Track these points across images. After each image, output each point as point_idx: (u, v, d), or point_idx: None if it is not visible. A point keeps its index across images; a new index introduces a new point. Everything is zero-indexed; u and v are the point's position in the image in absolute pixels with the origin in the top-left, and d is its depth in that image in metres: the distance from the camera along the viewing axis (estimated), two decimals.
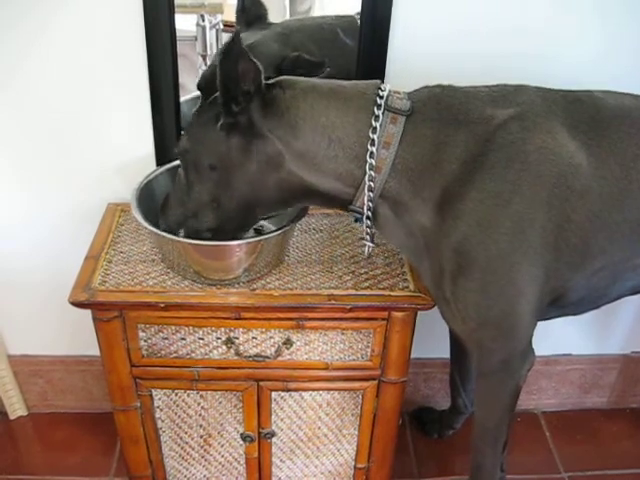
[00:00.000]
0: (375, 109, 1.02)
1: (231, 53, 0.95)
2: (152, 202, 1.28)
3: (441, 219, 1.03)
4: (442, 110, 1.04)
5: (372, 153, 1.02)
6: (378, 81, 1.08)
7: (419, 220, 1.06)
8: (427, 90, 1.07)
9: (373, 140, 1.02)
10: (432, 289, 1.15)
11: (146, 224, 1.17)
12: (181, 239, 1.17)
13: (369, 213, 1.08)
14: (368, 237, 1.13)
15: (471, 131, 1.01)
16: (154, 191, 1.31)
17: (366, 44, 1.29)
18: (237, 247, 1.15)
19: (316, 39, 1.36)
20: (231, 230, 1.15)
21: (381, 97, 1.03)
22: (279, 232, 1.16)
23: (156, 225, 1.19)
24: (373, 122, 1.02)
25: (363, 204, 1.07)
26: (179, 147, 1.12)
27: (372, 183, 1.04)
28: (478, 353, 1.15)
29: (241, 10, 1.34)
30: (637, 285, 1.15)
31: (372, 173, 1.03)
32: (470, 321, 1.09)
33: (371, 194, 1.05)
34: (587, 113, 1.05)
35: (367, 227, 1.11)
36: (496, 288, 1.04)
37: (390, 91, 1.04)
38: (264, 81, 1.01)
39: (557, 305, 1.12)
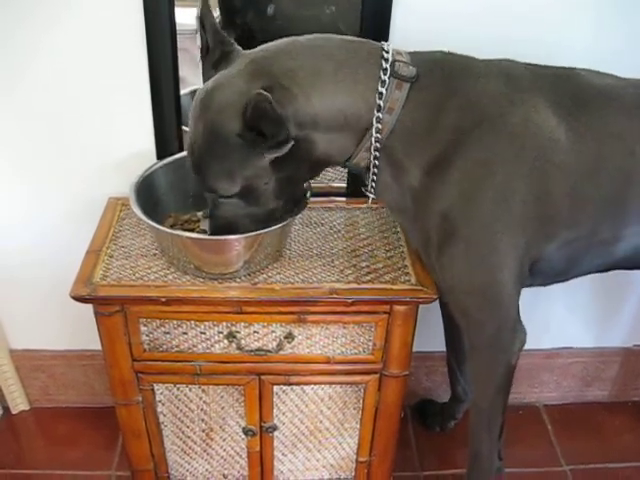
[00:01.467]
0: (381, 74, 1.03)
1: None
2: (151, 196, 1.28)
3: (430, 183, 1.06)
4: (444, 78, 1.06)
5: (379, 118, 1.04)
6: (380, 43, 1.07)
7: (410, 181, 1.09)
8: (430, 55, 1.09)
9: (379, 105, 1.03)
10: (421, 252, 1.18)
11: (145, 218, 1.16)
12: (180, 233, 1.17)
13: (375, 170, 1.10)
14: (372, 190, 1.15)
15: (465, 101, 1.05)
16: (153, 185, 1.30)
17: (368, 25, 1.28)
18: (236, 241, 1.14)
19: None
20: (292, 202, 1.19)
21: (386, 60, 1.03)
22: (278, 226, 1.16)
23: (155, 219, 1.18)
24: (379, 87, 1.03)
25: (360, 160, 1.09)
26: (224, 194, 1.09)
27: (378, 144, 1.06)
28: (467, 326, 1.17)
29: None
30: (605, 262, 1.16)
31: (378, 135, 1.05)
32: (455, 289, 1.13)
33: (377, 153, 1.07)
34: (571, 90, 1.08)
35: (372, 182, 1.13)
36: (478, 256, 1.07)
37: (394, 54, 1.05)
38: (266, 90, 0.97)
39: (530, 274, 1.14)
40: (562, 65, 1.12)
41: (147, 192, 1.27)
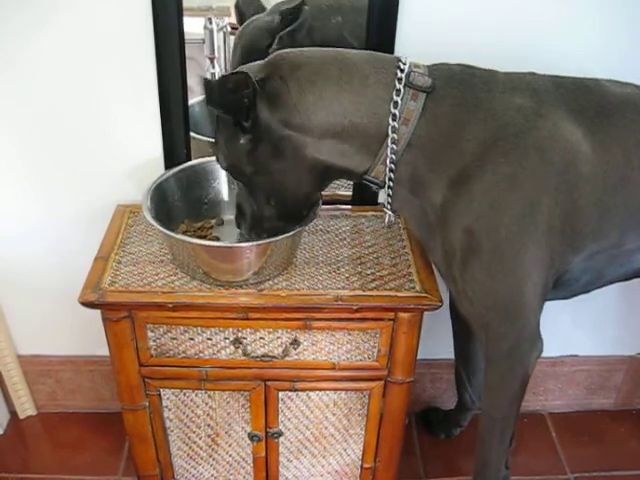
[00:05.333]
0: (397, 83, 1.03)
1: (213, 90, 1.01)
2: (164, 203, 1.30)
3: (455, 197, 1.05)
4: (464, 90, 1.05)
5: (394, 127, 1.03)
6: (397, 56, 1.08)
7: (431, 195, 1.08)
8: (447, 68, 1.08)
9: (395, 115, 1.03)
10: (442, 268, 1.17)
11: (156, 224, 1.17)
12: (192, 240, 1.18)
13: (390, 183, 1.09)
14: (389, 206, 1.14)
15: (491, 114, 1.04)
16: (167, 192, 1.32)
17: (374, 35, 1.29)
18: (247, 249, 1.15)
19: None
20: (295, 218, 1.18)
21: (402, 71, 1.03)
22: (289, 234, 1.16)
23: (168, 226, 1.19)
24: (394, 97, 1.02)
25: (379, 174, 1.09)
26: (221, 164, 1.15)
27: (394, 156, 1.05)
28: (486, 338, 1.15)
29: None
30: (628, 271, 1.17)
31: (394, 147, 1.04)
32: (477, 303, 1.11)
33: (393, 166, 1.07)
34: (594, 100, 1.08)
35: (388, 196, 1.12)
36: (503, 271, 1.06)
37: (411, 65, 1.05)
38: (256, 79, 1.02)
39: (553, 287, 1.13)
40: (568, 74, 1.12)
41: (160, 199, 1.28)
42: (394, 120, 1.03)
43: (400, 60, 1.05)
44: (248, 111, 1.02)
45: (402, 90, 1.02)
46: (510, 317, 1.11)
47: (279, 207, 1.15)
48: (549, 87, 1.07)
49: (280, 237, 1.16)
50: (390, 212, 1.16)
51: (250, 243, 1.15)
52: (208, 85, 1.00)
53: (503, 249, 1.05)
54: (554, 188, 1.02)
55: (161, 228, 1.17)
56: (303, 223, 1.20)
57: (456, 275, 1.11)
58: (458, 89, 1.05)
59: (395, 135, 1.04)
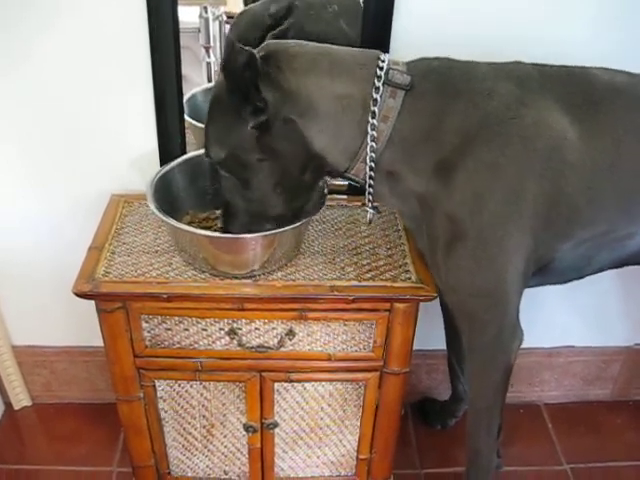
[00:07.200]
0: (376, 81, 1.03)
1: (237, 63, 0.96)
2: (169, 193, 1.29)
3: (438, 185, 1.06)
4: (443, 83, 1.06)
5: (373, 125, 1.03)
6: (377, 52, 1.08)
7: (413, 188, 1.08)
8: (426, 63, 1.08)
9: (374, 112, 1.03)
10: (427, 254, 1.18)
11: (162, 215, 1.16)
12: (197, 231, 1.17)
13: (371, 181, 1.10)
14: (369, 204, 1.15)
15: (472, 103, 1.04)
16: (171, 182, 1.32)
17: (369, 28, 1.28)
18: (253, 240, 1.14)
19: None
20: (297, 208, 1.17)
21: (381, 68, 1.04)
22: (295, 225, 1.15)
23: (172, 217, 1.18)
24: (374, 94, 1.03)
25: (359, 172, 1.09)
26: (213, 159, 1.12)
27: (373, 154, 1.06)
28: (470, 328, 1.16)
29: None
30: (619, 257, 1.17)
31: (374, 144, 1.05)
32: (461, 291, 1.12)
33: (372, 164, 1.07)
34: (581, 88, 1.08)
35: (369, 194, 1.12)
36: (486, 257, 1.07)
37: (389, 62, 1.05)
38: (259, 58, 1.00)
39: (541, 274, 1.14)
40: (564, 63, 1.12)
41: (165, 189, 1.27)
42: (373, 117, 1.03)
43: (379, 57, 1.06)
44: (256, 91, 1.00)
45: (381, 88, 1.03)
46: (495, 303, 1.12)
47: (287, 193, 1.13)
48: (534, 75, 1.07)
49: (287, 228, 1.15)
50: (371, 210, 1.16)
51: (256, 234, 1.14)
52: (233, 49, 0.95)
53: (486, 236, 1.05)
54: (538, 175, 1.03)
55: (164, 218, 1.16)
56: (311, 213, 1.19)
57: (440, 263, 1.11)
58: (436, 82, 1.06)
59: (374, 132, 1.04)
